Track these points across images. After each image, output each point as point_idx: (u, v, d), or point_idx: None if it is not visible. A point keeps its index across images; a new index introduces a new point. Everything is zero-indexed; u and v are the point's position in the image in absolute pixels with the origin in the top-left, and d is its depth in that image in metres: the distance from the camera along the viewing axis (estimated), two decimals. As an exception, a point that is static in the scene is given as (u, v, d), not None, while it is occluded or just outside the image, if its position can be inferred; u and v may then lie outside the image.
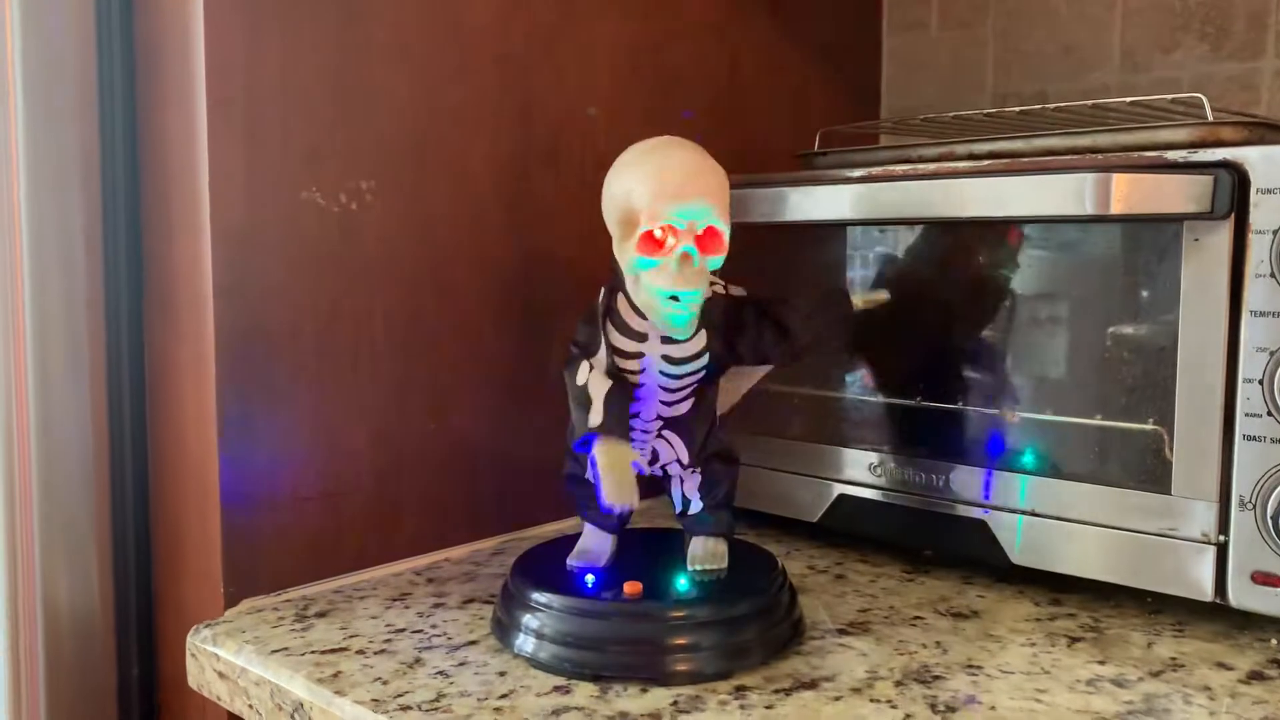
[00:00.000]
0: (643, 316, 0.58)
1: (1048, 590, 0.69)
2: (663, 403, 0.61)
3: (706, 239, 0.55)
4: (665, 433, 0.62)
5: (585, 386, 0.59)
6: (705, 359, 0.60)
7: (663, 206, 0.55)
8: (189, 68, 0.64)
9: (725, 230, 0.56)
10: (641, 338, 0.59)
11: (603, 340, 0.59)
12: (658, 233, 0.55)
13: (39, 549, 0.67)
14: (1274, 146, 0.58)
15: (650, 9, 0.87)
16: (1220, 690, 0.55)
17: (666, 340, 0.59)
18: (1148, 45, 0.95)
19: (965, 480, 0.70)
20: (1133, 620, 0.64)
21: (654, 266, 0.55)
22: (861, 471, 0.75)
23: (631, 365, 0.59)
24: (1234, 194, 0.58)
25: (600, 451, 0.58)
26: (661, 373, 0.59)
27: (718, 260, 0.57)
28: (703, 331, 0.59)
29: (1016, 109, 0.72)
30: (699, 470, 0.64)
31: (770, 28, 0.98)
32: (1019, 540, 0.67)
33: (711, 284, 0.60)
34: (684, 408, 0.61)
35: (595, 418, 0.58)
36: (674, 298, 0.55)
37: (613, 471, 0.57)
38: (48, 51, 0.65)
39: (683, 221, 0.55)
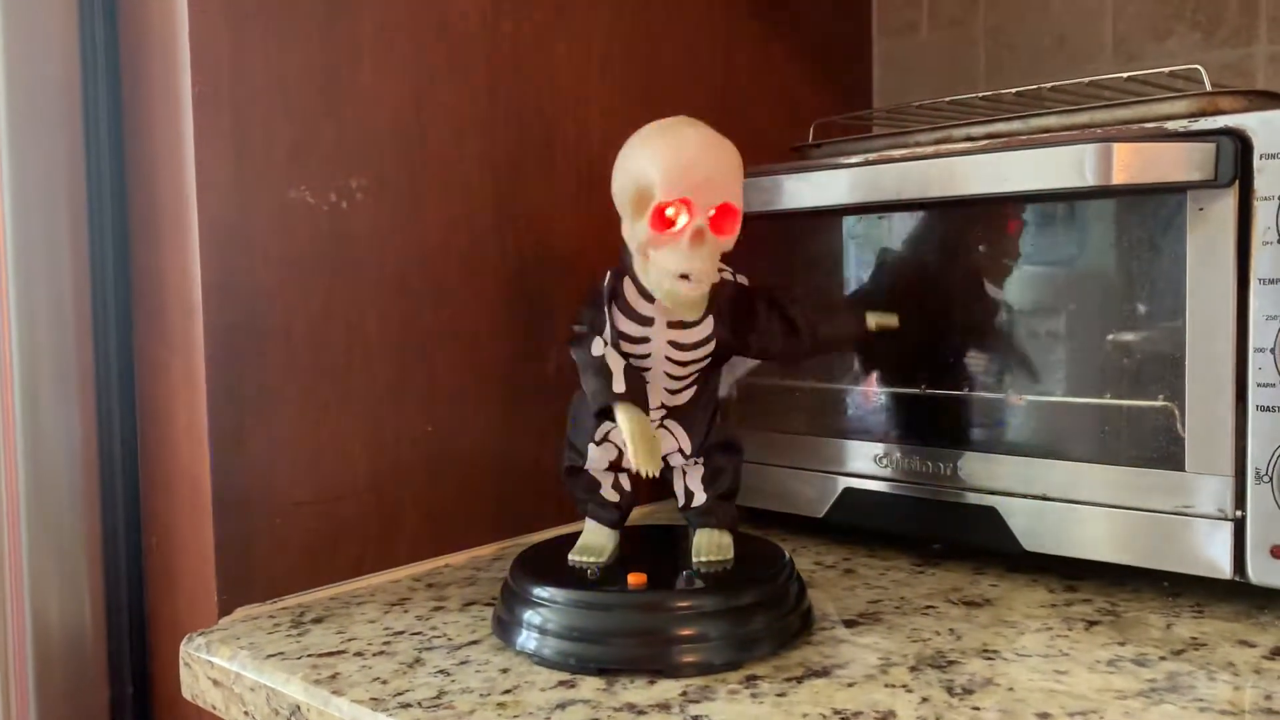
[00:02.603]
0: (649, 300, 0.57)
1: (1061, 577, 0.67)
2: (667, 390, 0.59)
3: (720, 217, 0.54)
4: (667, 422, 0.61)
5: (603, 357, 0.57)
6: (712, 345, 0.59)
7: (676, 183, 0.54)
8: (173, 64, 0.63)
9: (739, 209, 0.55)
10: (648, 322, 0.57)
11: (608, 323, 0.58)
12: (670, 210, 0.54)
13: (27, 563, 0.65)
14: (1275, 111, 0.57)
15: (642, 6, 0.87)
16: (1244, 667, 0.53)
17: (673, 325, 0.58)
18: (1140, 34, 0.95)
19: (973, 467, 0.68)
20: (1150, 603, 0.63)
21: (666, 244, 0.54)
22: (867, 463, 0.73)
23: (636, 350, 0.58)
24: (1237, 160, 0.57)
25: (625, 418, 0.56)
26: (667, 359, 0.58)
27: (730, 240, 0.56)
28: (710, 318, 0.58)
29: (1013, 90, 0.72)
30: (702, 461, 0.62)
31: (762, 28, 0.98)
32: (1030, 526, 0.66)
33: (720, 270, 0.58)
34: (686, 396, 0.60)
35: (619, 384, 0.56)
36: (684, 276, 0.54)
37: (641, 436, 0.56)
38: (30, 51, 0.64)
39: (696, 197, 0.54)
